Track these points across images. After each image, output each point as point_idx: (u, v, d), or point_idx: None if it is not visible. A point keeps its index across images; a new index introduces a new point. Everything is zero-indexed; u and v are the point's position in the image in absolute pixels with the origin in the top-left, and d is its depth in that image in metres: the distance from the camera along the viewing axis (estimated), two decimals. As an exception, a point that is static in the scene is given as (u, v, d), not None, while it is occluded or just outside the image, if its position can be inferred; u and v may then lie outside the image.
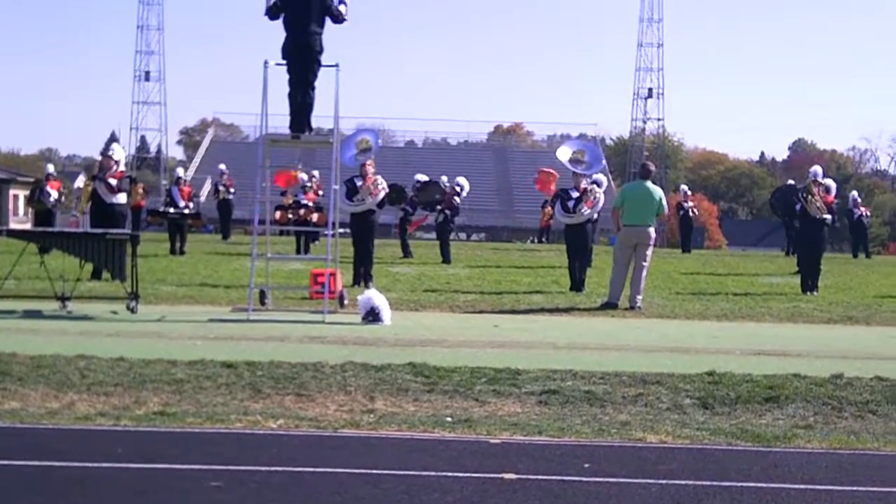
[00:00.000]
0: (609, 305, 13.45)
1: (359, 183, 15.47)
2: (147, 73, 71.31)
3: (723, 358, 9.18)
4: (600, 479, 5.29)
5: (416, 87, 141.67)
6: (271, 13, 11.79)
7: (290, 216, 24.10)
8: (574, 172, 16.06)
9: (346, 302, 12.30)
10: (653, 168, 14.77)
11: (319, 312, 11.57)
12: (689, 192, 33.99)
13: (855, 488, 5.31)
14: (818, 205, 16.46)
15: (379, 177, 15.76)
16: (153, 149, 76.07)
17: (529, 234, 50.66)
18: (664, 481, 5.27)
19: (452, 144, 77.62)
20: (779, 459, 5.86)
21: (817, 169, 17.39)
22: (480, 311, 12.81)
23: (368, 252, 15.51)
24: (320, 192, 24.87)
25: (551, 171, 29.68)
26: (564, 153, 16.43)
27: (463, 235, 49.78)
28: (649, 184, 14.03)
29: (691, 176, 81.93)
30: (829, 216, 16.65)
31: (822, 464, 5.78)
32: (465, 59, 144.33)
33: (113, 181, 15.95)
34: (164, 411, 6.52)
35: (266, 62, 11.91)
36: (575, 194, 15.81)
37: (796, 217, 19.08)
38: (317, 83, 12.06)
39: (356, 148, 15.40)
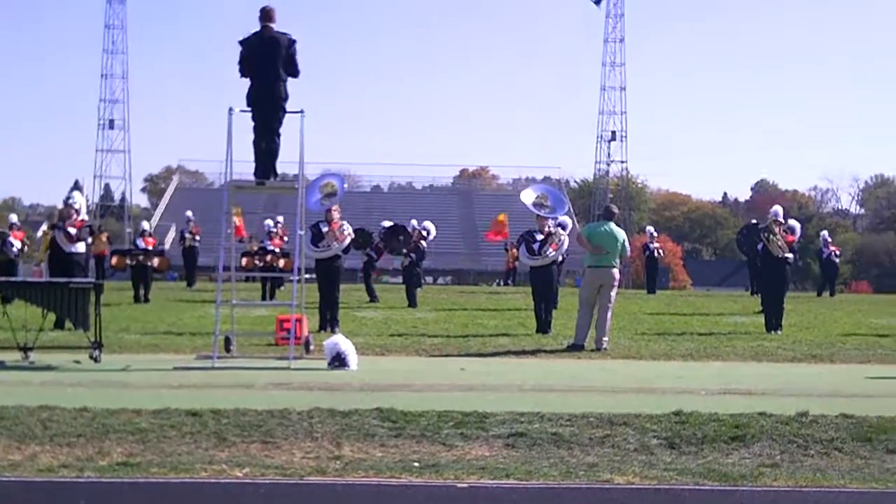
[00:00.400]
0: (575, 347, 13.49)
1: (324, 229, 15.49)
2: (111, 121, 70.99)
3: (689, 398, 9.20)
4: (568, 522, 5.28)
5: (382, 132, 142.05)
6: (242, 68, 11.83)
7: (256, 262, 24.06)
8: (538, 215, 16.17)
9: (311, 347, 12.24)
10: (616, 210, 14.90)
11: (285, 358, 11.50)
12: (655, 234, 34.24)
13: (821, 526, 5.34)
14: (780, 244, 16.64)
15: (345, 222, 15.79)
16: (117, 197, 75.65)
17: (495, 277, 50.76)
18: (632, 523, 5.27)
19: (418, 188, 77.89)
20: (746, 498, 5.88)
21: (778, 209, 17.57)
22: (447, 355, 12.79)
23: (334, 297, 15.49)
24: (285, 238, 24.84)
25: (501, 221, 30.09)
26: (528, 196, 16.55)
27: (430, 279, 49.79)
28: (612, 225, 14.13)
29: (655, 217, 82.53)
30: (790, 255, 16.83)
31: (789, 502, 5.81)
32: (431, 104, 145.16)
33: (72, 230, 15.89)
34: (128, 462, 6.44)
35: (231, 109, 11.91)
36: (539, 237, 15.92)
37: (759, 256, 19.25)
38: (282, 129, 12.09)
39: (320, 193, 15.40)
